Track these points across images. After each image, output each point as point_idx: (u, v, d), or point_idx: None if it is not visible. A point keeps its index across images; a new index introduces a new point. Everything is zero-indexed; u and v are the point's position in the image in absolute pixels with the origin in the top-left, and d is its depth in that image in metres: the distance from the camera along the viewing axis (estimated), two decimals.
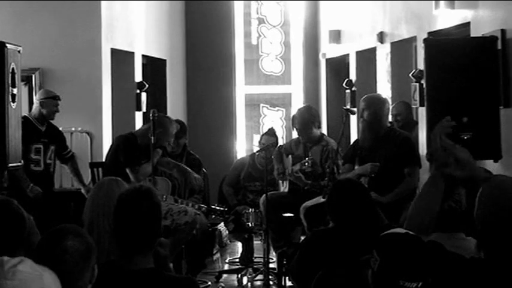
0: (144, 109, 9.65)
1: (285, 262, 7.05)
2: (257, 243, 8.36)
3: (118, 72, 9.24)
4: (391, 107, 7.57)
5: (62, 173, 8.03)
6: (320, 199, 6.53)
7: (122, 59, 9.35)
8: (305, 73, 12.14)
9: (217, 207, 7.53)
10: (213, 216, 7.63)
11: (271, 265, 7.49)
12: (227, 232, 8.99)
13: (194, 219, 6.79)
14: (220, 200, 8.43)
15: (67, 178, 8.00)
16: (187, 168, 7.26)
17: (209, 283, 7.65)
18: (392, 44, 8.89)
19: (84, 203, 4.39)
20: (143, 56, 10.10)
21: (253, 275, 7.73)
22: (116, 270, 3.22)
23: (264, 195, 7.30)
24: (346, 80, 10.20)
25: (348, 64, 10.63)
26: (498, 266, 2.80)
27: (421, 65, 7.21)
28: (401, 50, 8.83)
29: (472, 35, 6.60)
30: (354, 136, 9.53)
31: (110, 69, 8.92)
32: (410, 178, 6.39)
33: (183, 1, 11.98)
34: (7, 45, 5.51)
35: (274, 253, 7.73)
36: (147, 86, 9.70)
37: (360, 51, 10.04)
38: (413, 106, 7.97)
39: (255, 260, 8.16)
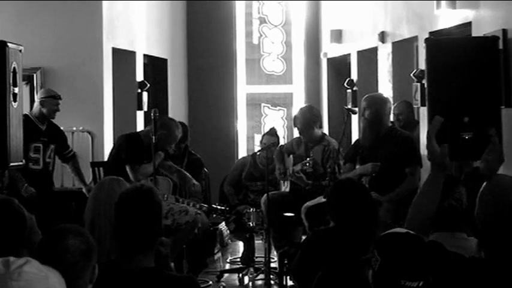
0: (145, 108, 9.65)
1: (286, 262, 7.05)
2: (258, 242, 8.36)
3: (119, 72, 9.24)
4: (392, 107, 7.57)
5: (63, 173, 8.04)
6: (321, 199, 6.53)
7: (123, 58, 9.36)
8: (306, 73, 12.14)
9: (219, 207, 7.53)
10: (214, 215, 7.63)
11: (272, 265, 7.49)
12: (228, 232, 8.99)
13: (195, 218, 6.79)
14: (222, 199, 8.43)
15: (68, 177, 8.01)
16: (187, 175, 7.22)
17: (210, 282, 7.65)
18: (393, 43, 8.88)
19: (85, 203, 4.39)
20: (144, 55, 10.10)
21: (255, 274, 7.73)
22: (116, 269, 3.22)
23: (266, 194, 7.30)
24: (347, 80, 10.20)
25: (349, 64, 10.62)
26: (499, 265, 2.80)
27: (422, 65, 7.21)
28: (403, 49, 8.82)
29: (474, 34, 6.60)
30: (355, 136, 9.53)
31: (111, 69, 8.92)
32: (411, 178, 6.39)
33: (185, 0, 11.98)
34: (8, 44, 5.50)
35: (275, 253, 7.73)
36: (148, 85, 9.70)
37: (361, 51, 10.03)
38: (414, 106, 7.97)
39: (256, 260, 8.16)
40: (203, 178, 8.17)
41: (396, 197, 6.28)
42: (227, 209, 7.57)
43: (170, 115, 10.52)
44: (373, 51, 9.59)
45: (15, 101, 5.57)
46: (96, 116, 8.63)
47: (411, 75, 7.74)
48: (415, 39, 8.31)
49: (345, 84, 10.20)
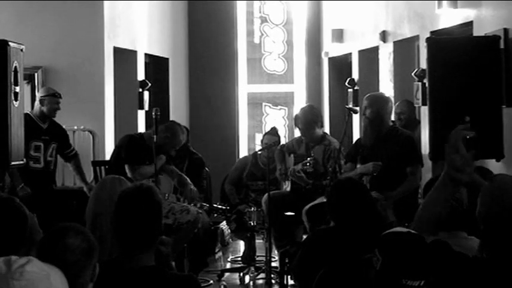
0: (146, 108, 9.65)
1: (287, 261, 7.05)
2: (259, 242, 8.36)
3: (120, 71, 9.25)
4: (394, 106, 7.57)
5: (64, 172, 8.04)
6: (323, 199, 6.53)
7: (124, 57, 9.36)
8: (307, 72, 12.14)
9: (220, 206, 7.52)
10: (215, 214, 7.63)
11: (273, 264, 7.49)
12: (229, 231, 8.99)
13: (196, 217, 6.79)
14: (223, 198, 8.43)
15: (69, 176, 8.01)
16: (187, 180, 7.20)
17: (211, 282, 7.65)
18: (394, 43, 8.88)
19: (87, 202, 4.39)
20: (146, 54, 10.10)
21: (256, 273, 7.72)
22: (117, 268, 3.22)
23: (267, 194, 7.30)
24: (348, 79, 10.19)
25: (350, 63, 10.62)
26: (501, 265, 2.80)
27: (423, 64, 7.21)
28: (404, 49, 8.82)
29: (475, 34, 6.60)
30: (356, 135, 9.53)
31: (113, 68, 8.93)
32: (412, 177, 6.40)
33: (186, 0, 11.98)
34: (10, 43, 5.50)
35: (276, 252, 7.73)
36: (149, 84, 9.70)
37: (363, 50, 10.03)
38: (415, 105, 7.96)
39: (257, 259, 8.15)
40: (204, 178, 8.18)
41: (397, 197, 6.29)
42: (228, 208, 7.56)
43: (171, 114, 10.54)
44: (375, 50, 9.59)
45: (16, 100, 5.57)
46: (97, 115, 8.63)
47: (412, 74, 7.74)
48: (416, 38, 8.31)
49: (346, 83, 10.20)
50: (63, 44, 8.61)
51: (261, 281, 7.61)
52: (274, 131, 8.34)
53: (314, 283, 3.58)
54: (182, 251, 6.88)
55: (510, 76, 5.96)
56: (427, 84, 6.11)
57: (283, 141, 8.60)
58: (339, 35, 10.84)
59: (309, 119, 7.41)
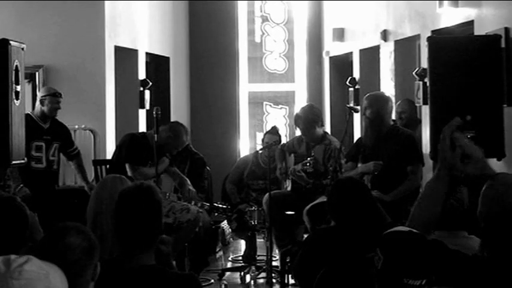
0: (147, 107, 9.65)
1: (288, 260, 7.05)
2: (260, 241, 8.36)
3: (121, 70, 9.25)
4: (395, 105, 7.56)
5: (65, 171, 8.04)
6: (323, 199, 6.53)
7: (125, 56, 9.36)
8: (308, 71, 12.14)
9: (220, 205, 7.52)
10: (216, 214, 7.63)
11: (274, 263, 7.49)
12: (230, 230, 8.98)
13: (197, 217, 6.79)
14: (224, 198, 8.43)
15: (70, 176, 8.01)
16: (187, 181, 7.21)
17: (212, 281, 7.65)
18: (395, 42, 8.88)
19: (88, 201, 4.39)
20: (147, 53, 10.10)
21: (256, 273, 7.72)
22: (117, 267, 3.22)
23: (267, 193, 7.30)
24: (349, 78, 10.19)
25: (351, 62, 10.62)
26: (501, 263, 2.80)
27: (424, 63, 7.21)
28: (405, 48, 8.82)
29: (476, 33, 6.60)
30: (357, 134, 9.52)
31: (114, 67, 8.93)
32: (413, 176, 6.39)
33: None
34: (11, 42, 5.51)
35: (277, 251, 7.72)
36: (150, 83, 9.70)
37: (364, 50, 10.03)
38: (416, 104, 7.96)
39: (258, 258, 8.15)
40: (205, 177, 8.17)
41: (398, 196, 6.28)
42: (229, 207, 7.56)
43: (172, 113, 10.55)
44: (375, 49, 9.58)
45: (17, 99, 5.57)
46: (98, 114, 8.63)
47: (413, 73, 7.73)
48: (417, 37, 8.31)
49: (347, 82, 10.19)
50: (64, 43, 8.61)
51: (261, 280, 7.62)
52: (275, 130, 8.34)
53: (315, 282, 3.58)
54: (183, 250, 6.88)
55: (511, 75, 5.96)
56: (428, 84, 6.11)
57: (283, 140, 8.60)
58: (339, 34, 10.84)
59: (309, 118, 7.40)
